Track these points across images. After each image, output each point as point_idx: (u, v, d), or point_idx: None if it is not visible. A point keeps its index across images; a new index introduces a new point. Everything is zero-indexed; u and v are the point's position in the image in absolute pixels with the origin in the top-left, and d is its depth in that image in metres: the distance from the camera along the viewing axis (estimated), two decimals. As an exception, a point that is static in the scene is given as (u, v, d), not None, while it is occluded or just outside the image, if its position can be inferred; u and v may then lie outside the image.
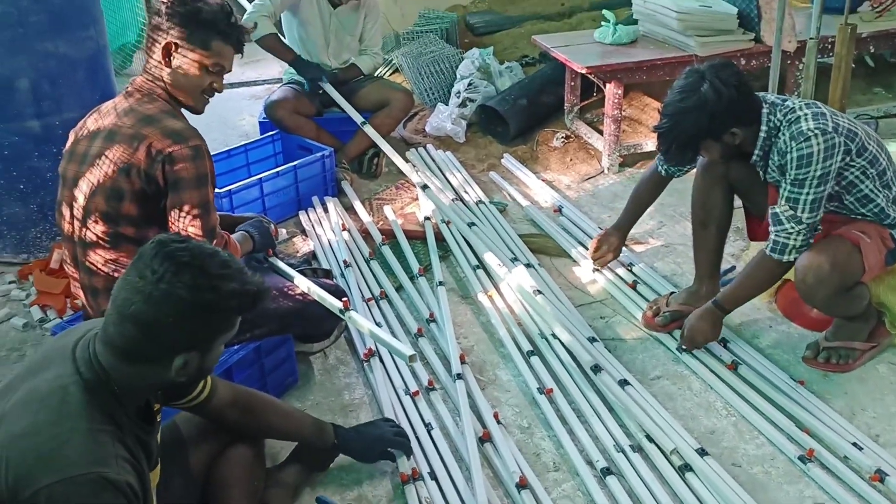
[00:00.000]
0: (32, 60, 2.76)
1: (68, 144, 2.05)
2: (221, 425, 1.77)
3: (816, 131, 2.05)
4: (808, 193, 2.09)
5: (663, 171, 2.59)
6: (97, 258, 1.98)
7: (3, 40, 2.70)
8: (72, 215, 1.99)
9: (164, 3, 1.96)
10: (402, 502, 1.91)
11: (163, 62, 1.96)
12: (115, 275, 1.96)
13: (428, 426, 2.12)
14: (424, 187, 3.12)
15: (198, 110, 2.06)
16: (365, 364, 2.37)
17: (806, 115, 2.09)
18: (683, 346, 2.40)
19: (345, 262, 2.86)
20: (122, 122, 1.96)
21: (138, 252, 1.33)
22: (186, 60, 1.95)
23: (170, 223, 1.94)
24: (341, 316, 2.03)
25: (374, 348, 2.40)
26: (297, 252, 3.08)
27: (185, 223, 1.92)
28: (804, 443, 2.05)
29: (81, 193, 1.95)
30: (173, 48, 1.95)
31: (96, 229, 1.95)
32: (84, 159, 1.97)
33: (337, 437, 1.91)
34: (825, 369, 2.35)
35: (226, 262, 1.35)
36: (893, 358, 2.40)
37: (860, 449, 2.02)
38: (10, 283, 2.90)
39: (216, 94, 2.05)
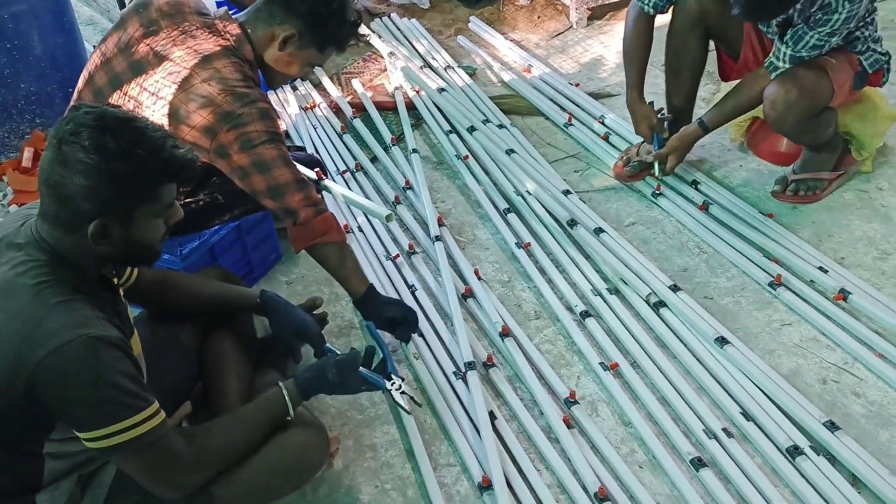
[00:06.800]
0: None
1: (99, 59, 1.89)
2: (151, 305, 1.77)
3: None
4: (812, 36, 2.05)
5: (649, 9, 2.32)
6: None
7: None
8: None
9: None
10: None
11: (273, 43, 1.85)
12: None
13: (412, 288, 2.19)
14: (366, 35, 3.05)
15: (273, 87, 1.97)
16: (347, 234, 2.40)
17: None
18: (662, 170, 2.39)
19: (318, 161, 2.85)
20: (187, 95, 1.78)
21: None
22: (295, 54, 1.87)
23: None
24: (317, 186, 2.05)
25: (349, 224, 2.43)
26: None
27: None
28: (773, 272, 2.14)
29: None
30: (289, 38, 1.84)
31: None
32: (132, 73, 1.83)
33: (262, 297, 1.87)
34: (794, 201, 2.41)
35: (139, 129, 1.28)
36: (860, 185, 2.46)
37: (825, 272, 2.10)
38: (-15, 187, 2.89)
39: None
